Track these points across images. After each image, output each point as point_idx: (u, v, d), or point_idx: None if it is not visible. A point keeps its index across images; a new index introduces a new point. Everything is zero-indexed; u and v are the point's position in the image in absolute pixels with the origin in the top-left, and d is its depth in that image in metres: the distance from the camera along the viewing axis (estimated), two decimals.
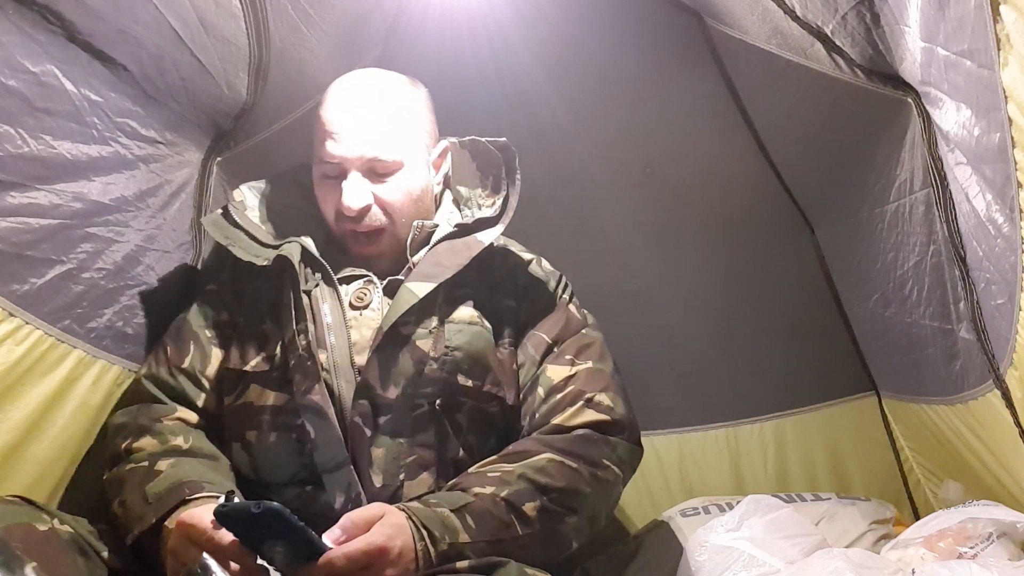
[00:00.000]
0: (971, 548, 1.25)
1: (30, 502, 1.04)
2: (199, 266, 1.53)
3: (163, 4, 1.20)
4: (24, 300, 1.13)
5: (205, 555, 0.93)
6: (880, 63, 1.30)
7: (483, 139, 1.43)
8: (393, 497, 1.15)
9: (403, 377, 1.21)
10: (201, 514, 0.96)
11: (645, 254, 2.01)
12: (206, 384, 1.28)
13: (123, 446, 1.19)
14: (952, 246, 1.28)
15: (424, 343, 1.24)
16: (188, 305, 1.36)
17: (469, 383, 1.25)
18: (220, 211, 1.36)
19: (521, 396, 1.32)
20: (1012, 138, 0.92)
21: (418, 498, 1.10)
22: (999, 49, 0.87)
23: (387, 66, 1.43)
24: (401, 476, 1.18)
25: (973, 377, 1.37)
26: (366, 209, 1.30)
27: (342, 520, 0.97)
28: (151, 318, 1.38)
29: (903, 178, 1.40)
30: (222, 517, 0.90)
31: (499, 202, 1.37)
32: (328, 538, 0.93)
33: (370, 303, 1.28)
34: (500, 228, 1.35)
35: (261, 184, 1.44)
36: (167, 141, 1.40)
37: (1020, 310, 1.08)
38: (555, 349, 1.34)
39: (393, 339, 1.21)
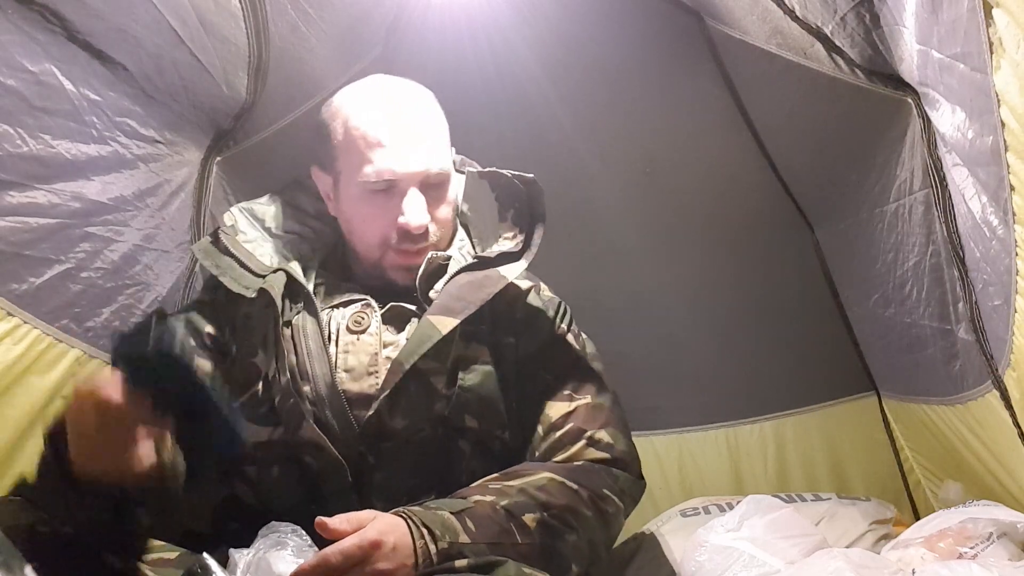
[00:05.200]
0: (971, 548, 1.24)
1: (33, 503, 1.04)
2: (197, 268, 1.52)
3: (162, 3, 1.20)
4: (23, 299, 1.14)
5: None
6: (880, 63, 1.29)
7: (507, 172, 1.34)
8: None
9: (412, 410, 1.19)
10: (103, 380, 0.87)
11: (645, 254, 2.01)
12: None
13: None
14: (951, 247, 1.28)
15: (437, 380, 1.21)
16: (177, 320, 1.30)
17: (475, 424, 1.23)
18: (210, 237, 1.32)
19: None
20: (1004, 141, 0.92)
21: (418, 504, 1.09)
22: (991, 52, 0.87)
23: (387, 66, 1.42)
24: (403, 500, 1.16)
25: (972, 378, 1.37)
26: (426, 227, 1.25)
27: (337, 518, 0.96)
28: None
29: (903, 178, 1.40)
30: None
31: (520, 237, 1.31)
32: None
33: (368, 327, 1.24)
34: (524, 264, 1.29)
35: (252, 206, 1.39)
36: (166, 140, 1.40)
37: (1016, 312, 1.08)
38: (553, 385, 1.30)
39: (411, 373, 1.18)
